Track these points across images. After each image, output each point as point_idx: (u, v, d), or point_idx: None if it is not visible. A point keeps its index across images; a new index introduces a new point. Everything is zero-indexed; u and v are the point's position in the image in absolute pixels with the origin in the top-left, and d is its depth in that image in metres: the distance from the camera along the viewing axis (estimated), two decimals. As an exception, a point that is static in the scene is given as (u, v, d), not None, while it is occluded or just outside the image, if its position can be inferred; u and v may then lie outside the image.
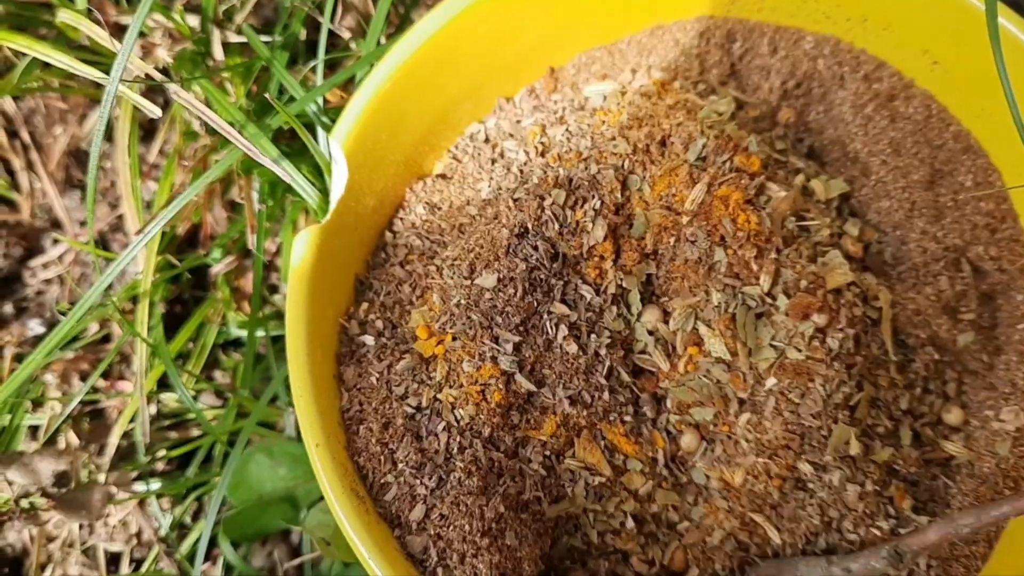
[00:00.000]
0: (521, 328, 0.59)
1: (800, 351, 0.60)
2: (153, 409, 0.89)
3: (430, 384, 0.61)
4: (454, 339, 0.60)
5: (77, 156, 1.01)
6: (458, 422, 0.59)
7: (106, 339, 0.92)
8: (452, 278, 0.62)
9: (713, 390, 0.60)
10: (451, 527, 0.56)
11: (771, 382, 0.59)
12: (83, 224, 0.96)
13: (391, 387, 0.62)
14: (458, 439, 0.59)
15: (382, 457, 0.60)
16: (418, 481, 0.58)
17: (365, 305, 0.66)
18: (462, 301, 0.60)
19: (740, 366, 0.60)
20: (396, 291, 0.66)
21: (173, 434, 0.89)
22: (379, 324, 0.65)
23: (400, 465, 0.59)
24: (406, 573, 0.55)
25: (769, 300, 0.60)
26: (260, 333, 0.86)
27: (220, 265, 0.85)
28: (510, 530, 0.57)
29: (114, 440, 0.85)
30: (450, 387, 0.60)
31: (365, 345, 0.64)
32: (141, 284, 0.75)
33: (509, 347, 0.59)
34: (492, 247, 0.61)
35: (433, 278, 0.63)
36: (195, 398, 0.90)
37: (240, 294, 0.91)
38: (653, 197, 0.63)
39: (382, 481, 0.59)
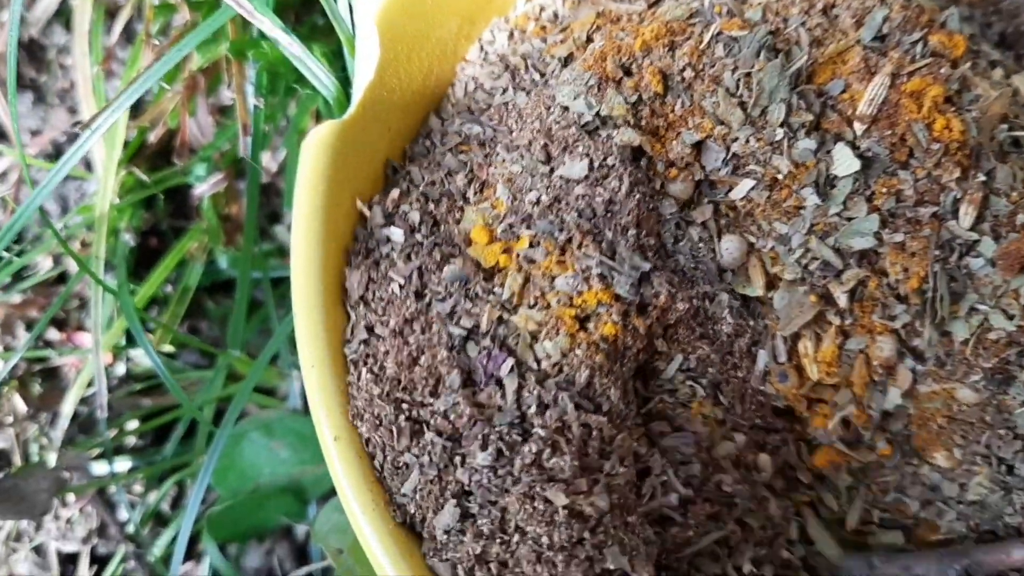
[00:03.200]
0: (641, 236, 0.48)
1: (1011, 317, 0.49)
2: (121, 369, 0.73)
3: (491, 301, 0.47)
4: (533, 245, 0.47)
5: (29, 50, 0.86)
6: (539, 363, 0.45)
7: (62, 279, 0.76)
8: (525, 166, 0.50)
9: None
10: (516, 539, 0.42)
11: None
12: (35, 134, 0.80)
13: (427, 300, 0.48)
14: (537, 390, 0.43)
15: (401, 418, 0.45)
16: (465, 459, 0.43)
17: (396, 192, 0.52)
18: (543, 196, 0.48)
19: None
20: (445, 182, 0.53)
21: (147, 401, 0.73)
22: (414, 217, 0.51)
23: (429, 434, 0.44)
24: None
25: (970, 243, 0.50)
26: (256, 274, 0.69)
27: (204, 185, 0.69)
28: (614, 544, 0.41)
29: (69, 407, 0.70)
30: (529, 307, 0.46)
31: (390, 241, 0.50)
32: (97, 206, 0.58)
33: (626, 266, 0.46)
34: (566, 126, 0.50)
35: (496, 167, 0.51)
36: (174, 357, 0.74)
37: (232, 224, 0.75)
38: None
39: (397, 461, 0.44)
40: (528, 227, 0.48)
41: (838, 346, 0.50)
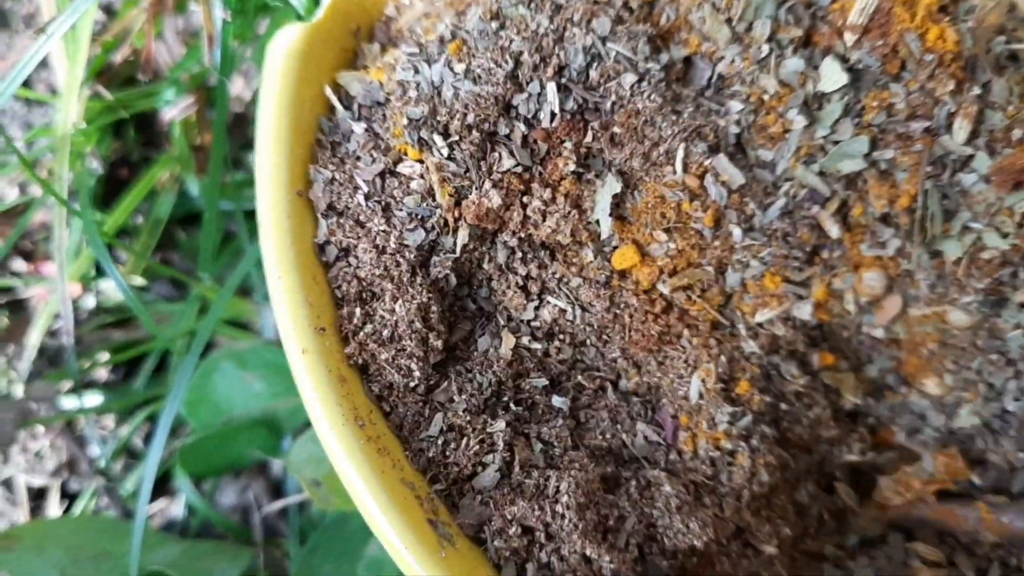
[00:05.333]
0: None
1: (1006, 236, 0.48)
2: (91, 301, 0.71)
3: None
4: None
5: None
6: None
7: (29, 208, 0.74)
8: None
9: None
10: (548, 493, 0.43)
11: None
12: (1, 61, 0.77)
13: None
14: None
15: (396, 333, 0.44)
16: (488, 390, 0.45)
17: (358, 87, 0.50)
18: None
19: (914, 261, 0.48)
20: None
21: (117, 335, 0.71)
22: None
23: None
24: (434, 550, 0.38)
25: (964, 158, 0.48)
26: (229, 206, 0.67)
27: (173, 109, 0.67)
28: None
29: (35, 340, 0.68)
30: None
31: (353, 134, 0.48)
32: (60, 124, 0.56)
33: None
34: None
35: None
36: (146, 289, 0.72)
37: (203, 155, 0.73)
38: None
39: (394, 382, 0.45)
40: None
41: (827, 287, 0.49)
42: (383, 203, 0.46)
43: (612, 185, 0.45)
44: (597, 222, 0.46)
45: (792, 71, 0.46)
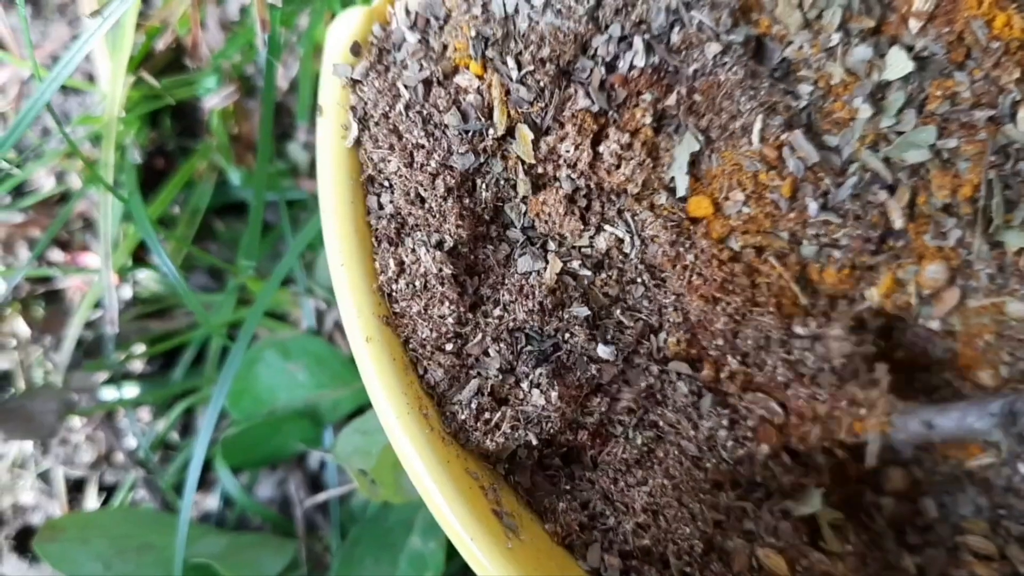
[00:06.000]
0: None
1: None
2: (128, 292, 0.71)
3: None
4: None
5: (26, -37, 0.81)
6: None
7: (65, 199, 0.73)
8: None
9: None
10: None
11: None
12: (35, 48, 0.76)
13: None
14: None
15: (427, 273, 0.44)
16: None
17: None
18: None
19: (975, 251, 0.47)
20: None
21: (154, 325, 0.71)
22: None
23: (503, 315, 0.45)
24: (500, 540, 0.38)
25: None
26: (269, 197, 0.67)
27: (215, 97, 0.66)
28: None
29: (74, 331, 0.67)
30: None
31: (405, 43, 0.46)
32: (107, 111, 0.56)
33: None
34: None
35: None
36: (184, 280, 0.71)
37: (241, 144, 0.72)
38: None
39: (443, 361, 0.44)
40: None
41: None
42: (424, 114, 0.44)
43: (691, 143, 0.44)
44: (672, 179, 0.45)
45: (859, 60, 0.46)
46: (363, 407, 0.66)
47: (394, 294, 0.44)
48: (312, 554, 0.66)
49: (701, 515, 0.45)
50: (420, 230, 0.45)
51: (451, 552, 0.63)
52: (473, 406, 0.43)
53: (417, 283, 0.43)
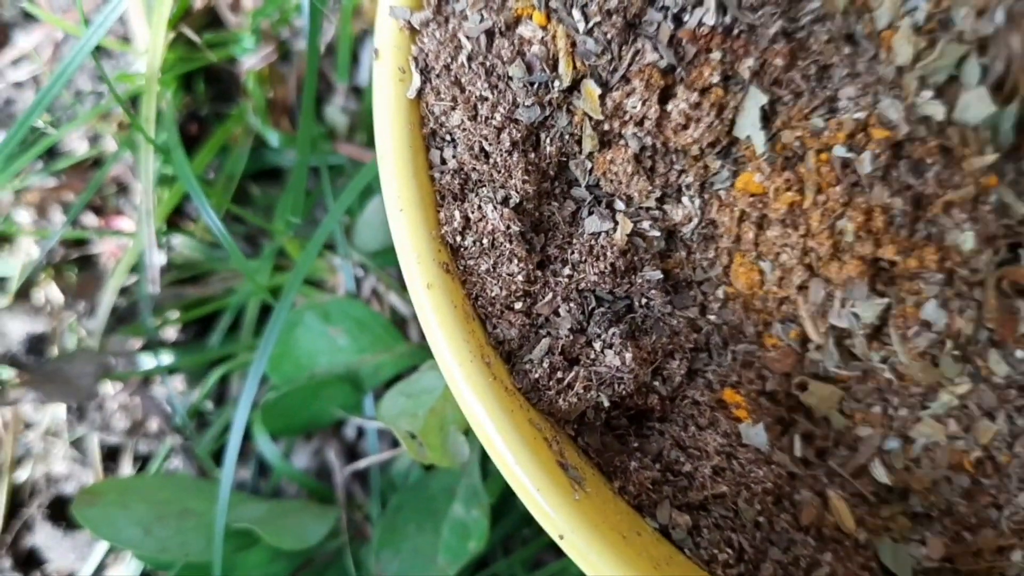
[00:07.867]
0: None
1: None
2: (162, 258, 0.69)
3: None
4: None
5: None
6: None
7: (98, 164, 0.73)
8: None
9: None
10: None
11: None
12: (65, 12, 0.75)
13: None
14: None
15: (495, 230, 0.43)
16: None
17: None
18: None
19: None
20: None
21: (189, 291, 0.70)
22: None
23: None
24: (567, 492, 0.38)
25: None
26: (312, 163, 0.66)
27: (252, 58, 0.65)
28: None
29: (109, 296, 0.66)
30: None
31: None
32: (148, 66, 0.55)
33: None
34: None
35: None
36: (218, 246, 0.71)
37: (277, 109, 0.71)
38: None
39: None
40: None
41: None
42: (488, 65, 0.43)
43: (757, 97, 0.43)
44: (748, 137, 0.43)
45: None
46: (403, 372, 0.65)
47: (461, 250, 0.43)
48: (352, 522, 0.65)
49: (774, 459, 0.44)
50: (485, 186, 0.44)
51: (494, 520, 0.62)
52: (546, 365, 0.42)
53: (484, 240, 0.42)
